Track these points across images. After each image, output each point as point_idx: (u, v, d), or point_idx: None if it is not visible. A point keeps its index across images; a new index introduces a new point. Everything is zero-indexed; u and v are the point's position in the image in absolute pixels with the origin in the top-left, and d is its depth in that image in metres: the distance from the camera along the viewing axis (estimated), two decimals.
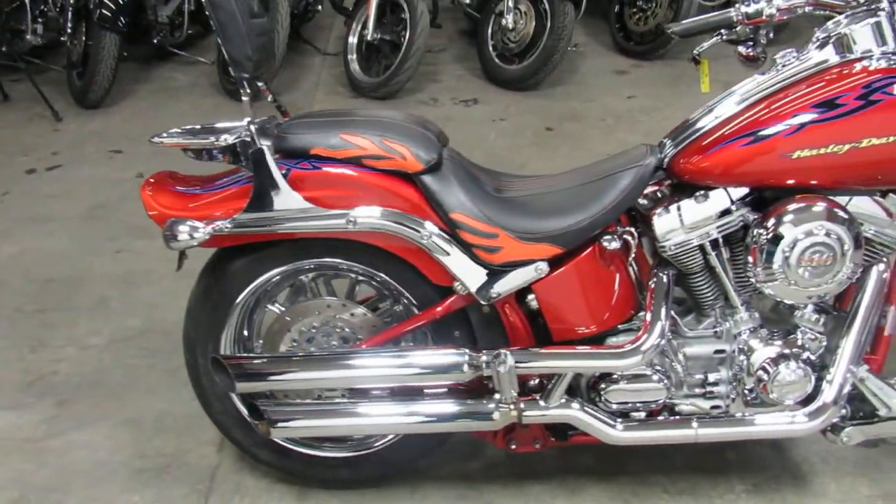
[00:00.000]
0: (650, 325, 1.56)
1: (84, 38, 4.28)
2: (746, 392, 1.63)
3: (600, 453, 1.88)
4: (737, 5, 1.65)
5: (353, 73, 4.46)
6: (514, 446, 1.71)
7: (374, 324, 1.71)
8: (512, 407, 1.59)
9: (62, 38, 4.36)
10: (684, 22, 1.77)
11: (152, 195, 1.60)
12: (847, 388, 1.60)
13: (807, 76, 1.52)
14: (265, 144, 1.53)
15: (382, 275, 1.65)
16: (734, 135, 1.51)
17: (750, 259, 1.53)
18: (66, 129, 4.19)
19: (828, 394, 1.59)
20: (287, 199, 1.54)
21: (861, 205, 1.55)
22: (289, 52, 5.16)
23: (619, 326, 1.65)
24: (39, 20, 4.59)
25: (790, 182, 1.51)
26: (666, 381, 1.63)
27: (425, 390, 1.67)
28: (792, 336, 1.63)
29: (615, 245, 1.57)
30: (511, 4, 4.29)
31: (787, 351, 1.60)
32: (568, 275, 1.58)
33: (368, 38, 4.33)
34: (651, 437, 1.62)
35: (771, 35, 1.67)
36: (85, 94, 4.30)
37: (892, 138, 1.43)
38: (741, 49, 1.68)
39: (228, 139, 1.53)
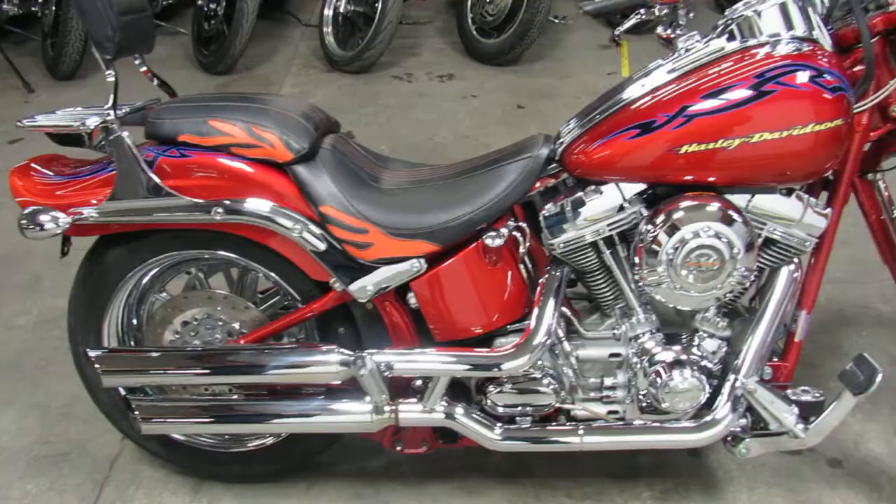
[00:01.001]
0: (533, 328, 1.47)
1: (54, 8, 4.22)
2: (641, 399, 1.54)
3: (508, 453, 1.81)
4: None
5: (328, 46, 4.35)
6: (400, 448, 1.64)
7: (257, 318, 1.64)
8: (388, 409, 1.53)
9: (33, 8, 4.31)
10: (597, 0, 1.66)
11: (20, 180, 1.54)
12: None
13: (704, 63, 1.40)
14: (125, 131, 1.46)
15: (262, 268, 1.58)
16: (621, 126, 1.40)
17: (636, 260, 1.43)
18: (37, 101, 4.16)
19: (724, 403, 1.49)
20: (151, 187, 1.47)
21: (764, 203, 1.43)
22: (269, 22, 5.09)
23: (510, 327, 1.57)
24: None
25: (682, 178, 1.40)
26: (556, 385, 1.54)
27: (304, 389, 1.60)
28: (690, 341, 1.53)
29: (498, 242, 1.47)
30: None
31: (682, 357, 1.50)
32: (446, 273, 1.49)
33: (341, 10, 4.22)
34: (534, 443, 1.54)
35: (691, 15, 1.55)
36: (56, 65, 4.27)
37: (785, 133, 1.31)
38: (660, 30, 1.57)
39: (90, 124, 1.46)
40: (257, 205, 1.46)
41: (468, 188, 1.48)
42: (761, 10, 1.38)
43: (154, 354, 1.56)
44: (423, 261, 1.48)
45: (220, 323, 1.64)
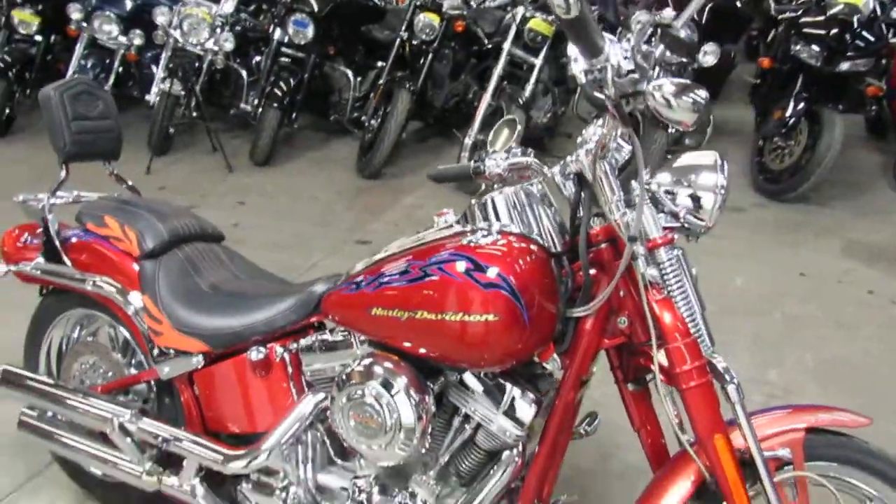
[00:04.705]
0: (263, 443, 1.65)
1: (260, 109, 5.29)
2: None
3: None
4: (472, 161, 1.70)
5: None
6: None
7: (123, 371, 2.04)
8: (153, 473, 1.80)
9: (245, 106, 5.46)
10: (440, 168, 1.85)
11: (6, 237, 2.14)
12: None
13: (428, 240, 1.51)
14: (50, 214, 1.99)
15: (128, 335, 1.99)
16: (350, 280, 1.57)
17: (330, 402, 1.55)
18: (228, 180, 5.20)
19: None
20: (58, 257, 1.98)
21: (470, 382, 1.48)
22: (442, 139, 5.73)
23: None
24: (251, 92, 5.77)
25: (382, 338, 1.51)
26: (290, 501, 1.68)
27: None
28: (397, 495, 1.57)
29: (260, 358, 1.69)
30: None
31: None
32: (214, 373, 1.75)
33: (472, 139, 4.64)
34: None
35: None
36: (253, 152, 5.31)
37: (439, 316, 1.37)
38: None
39: (25, 203, 2.02)
40: (113, 285, 1.88)
41: (249, 305, 1.73)
42: (482, 202, 1.47)
43: (29, 382, 2.03)
44: (201, 357, 1.76)
45: (102, 370, 2.08)
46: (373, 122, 4.99)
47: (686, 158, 1.45)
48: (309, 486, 1.69)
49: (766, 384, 2.69)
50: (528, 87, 4.68)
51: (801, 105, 4.26)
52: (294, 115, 5.40)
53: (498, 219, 1.45)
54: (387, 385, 1.44)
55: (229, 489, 1.80)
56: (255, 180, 5.18)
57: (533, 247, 1.42)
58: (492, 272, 1.35)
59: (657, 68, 1.19)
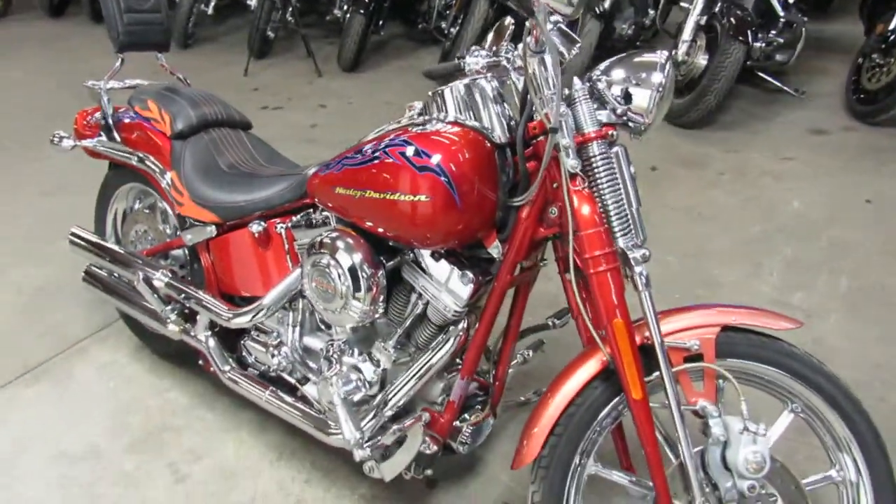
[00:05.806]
0: (255, 306, 1.89)
1: (348, 15, 5.45)
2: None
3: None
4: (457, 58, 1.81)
5: None
6: (200, 362, 2.19)
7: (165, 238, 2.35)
8: (177, 323, 2.10)
9: (337, 13, 5.62)
10: (433, 65, 1.96)
11: (80, 117, 2.46)
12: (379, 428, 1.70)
13: (393, 127, 1.64)
14: (107, 96, 2.27)
15: (167, 207, 2.28)
16: (327, 162, 1.73)
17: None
18: (316, 84, 5.45)
19: (350, 427, 1.66)
20: (112, 135, 2.27)
21: (422, 259, 1.63)
22: None
23: None
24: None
25: (348, 216, 1.67)
26: (280, 357, 1.93)
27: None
28: (360, 358, 1.77)
29: (259, 230, 1.91)
30: (687, 36, 4.08)
31: (343, 369, 1.76)
32: (223, 242, 2.00)
33: None
34: (240, 388, 1.96)
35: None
36: (340, 59, 5.51)
37: (381, 195, 1.51)
38: None
39: (87, 85, 2.30)
40: (151, 160, 2.15)
41: (255, 184, 1.95)
42: (438, 93, 1.57)
43: (87, 242, 2.38)
44: (213, 227, 2.01)
45: (150, 237, 2.39)
46: (452, 30, 5.03)
47: (638, 56, 1.48)
48: (296, 345, 1.93)
49: (787, 306, 2.66)
50: None
51: None
52: (381, 21, 5.52)
53: (457, 111, 1.54)
54: (343, 257, 1.62)
55: (238, 345, 2.09)
56: (340, 85, 5.40)
57: (478, 137, 1.51)
58: (427, 157, 1.46)
59: None
